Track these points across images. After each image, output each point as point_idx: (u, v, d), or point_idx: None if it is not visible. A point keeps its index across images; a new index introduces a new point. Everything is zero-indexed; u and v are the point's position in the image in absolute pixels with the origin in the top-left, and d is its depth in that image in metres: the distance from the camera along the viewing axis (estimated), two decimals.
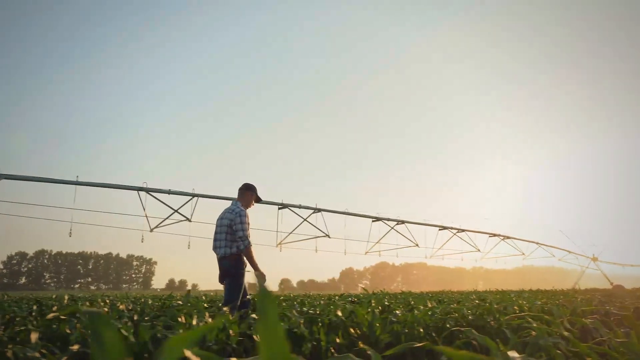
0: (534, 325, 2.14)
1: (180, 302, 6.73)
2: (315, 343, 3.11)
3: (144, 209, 15.66)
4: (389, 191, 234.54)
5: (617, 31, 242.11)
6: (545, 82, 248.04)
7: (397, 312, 3.56)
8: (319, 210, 18.58)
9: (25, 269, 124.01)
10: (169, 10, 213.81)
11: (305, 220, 18.35)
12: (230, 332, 3.14)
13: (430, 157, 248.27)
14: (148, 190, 15.52)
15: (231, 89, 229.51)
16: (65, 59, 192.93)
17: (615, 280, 34.39)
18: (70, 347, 2.39)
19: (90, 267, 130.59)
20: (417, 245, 21.73)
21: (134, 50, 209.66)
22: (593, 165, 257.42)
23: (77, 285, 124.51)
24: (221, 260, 4.87)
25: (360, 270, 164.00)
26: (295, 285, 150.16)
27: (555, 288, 22.27)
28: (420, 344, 1.37)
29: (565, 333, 1.58)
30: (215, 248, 4.95)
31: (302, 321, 3.04)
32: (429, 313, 3.79)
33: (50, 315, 2.67)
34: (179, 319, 3.09)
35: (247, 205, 5.11)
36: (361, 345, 3.04)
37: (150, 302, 6.79)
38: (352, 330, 3.18)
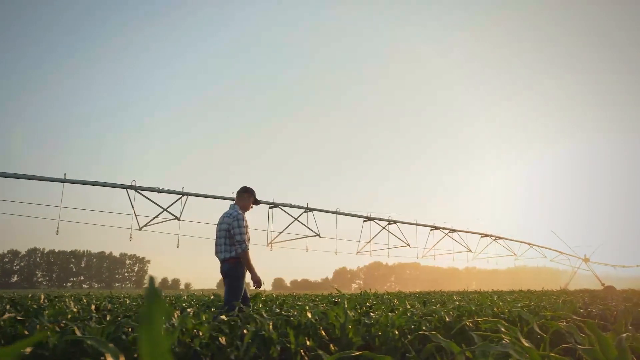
0: (503, 329, 2.07)
1: None
2: (288, 345, 3.03)
3: (133, 207, 15.51)
4: (380, 191, 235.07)
5: (617, 31, 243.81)
6: (543, 82, 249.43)
7: (372, 314, 3.47)
8: (310, 209, 18.50)
9: (17, 267, 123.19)
10: (163, 10, 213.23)
11: (296, 219, 18.27)
12: (200, 333, 3.05)
13: (423, 157, 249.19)
14: (137, 189, 15.35)
15: (222, 88, 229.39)
16: (56, 57, 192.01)
17: (607, 281, 34.45)
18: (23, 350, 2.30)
19: (83, 265, 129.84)
20: (408, 245, 21.72)
21: (126, 49, 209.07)
22: (590, 165, 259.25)
23: (69, 284, 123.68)
24: (222, 264, 4.95)
25: (353, 269, 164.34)
26: (288, 284, 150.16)
27: (545, 289, 22.36)
28: (358, 352, 1.28)
29: (523, 339, 1.50)
30: (216, 253, 5.03)
31: (270, 323, 2.94)
32: (408, 314, 3.72)
33: (6, 316, 2.56)
34: None
35: (245, 208, 5.17)
36: (332, 348, 2.96)
37: (127, 302, 6.68)
38: (323, 332, 3.09)
